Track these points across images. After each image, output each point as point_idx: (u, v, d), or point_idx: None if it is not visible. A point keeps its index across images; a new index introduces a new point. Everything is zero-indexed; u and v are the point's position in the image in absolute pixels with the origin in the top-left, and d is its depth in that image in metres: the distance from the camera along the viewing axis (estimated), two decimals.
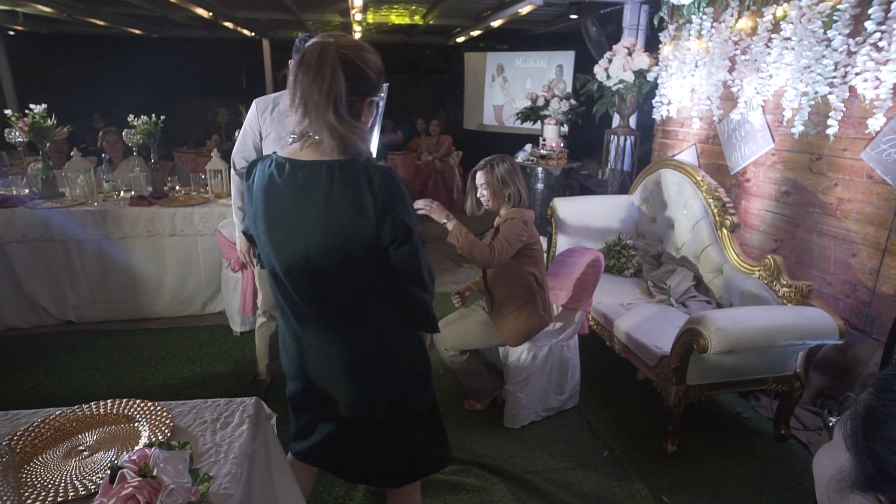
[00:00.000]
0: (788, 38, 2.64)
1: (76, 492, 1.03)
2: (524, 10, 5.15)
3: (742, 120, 3.13)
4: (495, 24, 6.28)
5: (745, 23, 3.00)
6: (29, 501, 1.00)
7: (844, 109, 2.45)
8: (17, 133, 3.46)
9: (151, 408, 1.28)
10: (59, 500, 1.01)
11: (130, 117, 3.52)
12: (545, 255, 2.86)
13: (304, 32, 3.00)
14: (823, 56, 2.48)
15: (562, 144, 4.54)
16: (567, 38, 6.73)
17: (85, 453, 1.14)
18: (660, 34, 3.82)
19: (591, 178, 4.77)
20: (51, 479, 1.06)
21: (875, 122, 2.30)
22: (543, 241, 2.58)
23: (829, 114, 2.49)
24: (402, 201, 1.24)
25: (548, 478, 2.20)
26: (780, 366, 2.33)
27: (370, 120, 1.28)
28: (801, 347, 2.30)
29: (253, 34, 7.96)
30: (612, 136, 4.37)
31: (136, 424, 1.23)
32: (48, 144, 3.54)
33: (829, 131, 2.50)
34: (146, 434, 1.19)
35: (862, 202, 2.50)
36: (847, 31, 2.37)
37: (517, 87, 7.62)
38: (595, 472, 2.25)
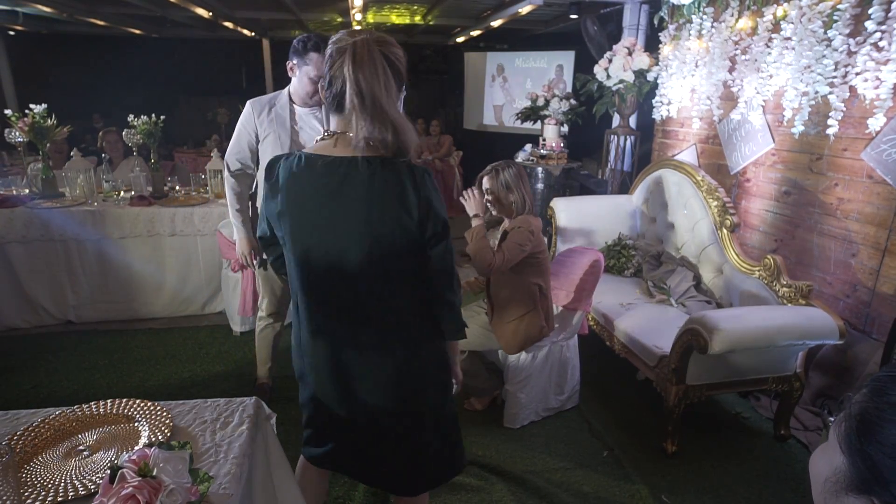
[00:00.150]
0: (789, 38, 2.64)
1: (76, 492, 1.03)
2: (524, 10, 5.15)
3: (742, 120, 3.13)
4: (495, 24, 6.28)
5: (745, 22, 3.00)
6: (29, 501, 1.00)
7: (845, 109, 2.45)
8: (17, 133, 3.46)
9: (151, 408, 1.28)
10: (59, 500, 1.01)
11: (130, 117, 3.52)
12: None
13: (303, 32, 2.98)
14: (824, 56, 2.47)
15: (562, 144, 4.53)
16: (567, 38, 6.72)
17: (85, 453, 1.14)
18: (660, 34, 3.82)
19: (591, 178, 4.76)
20: (51, 479, 1.06)
21: (875, 122, 2.30)
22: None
23: (830, 114, 2.49)
24: (439, 198, 1.25)
25: (548, 478, 2.20)
26: (780, 366, 2.33)
27: None
28: (801, 347, 2.30)
29: (253, 34, 7.97)
30: (612, 136, 4.37)
31: (135, 424, 1.23)
32: (48, 144, 3.53)
33: (830, 131, 2.50)
34: (146, 434, 1.19)
35: (862, 202, 2.50)
36: (847, 31, 2.37)
37: (517, 87, 7.61)
38: (595, 472, 2.25)
